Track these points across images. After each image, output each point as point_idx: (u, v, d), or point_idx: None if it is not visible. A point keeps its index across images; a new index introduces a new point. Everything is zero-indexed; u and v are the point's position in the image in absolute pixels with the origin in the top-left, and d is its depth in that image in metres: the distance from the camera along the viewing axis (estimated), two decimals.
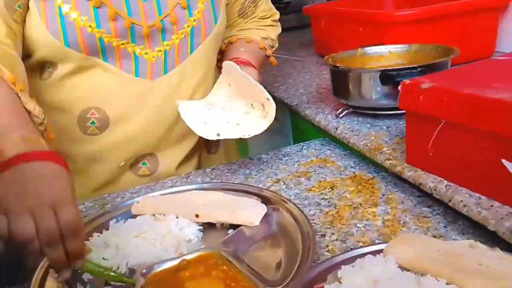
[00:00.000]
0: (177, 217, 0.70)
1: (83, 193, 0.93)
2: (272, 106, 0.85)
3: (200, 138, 1.00)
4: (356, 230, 0.68)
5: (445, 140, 0.65)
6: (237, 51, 1.04)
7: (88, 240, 0.67)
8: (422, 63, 0.89)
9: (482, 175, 0.62)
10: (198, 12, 0.92)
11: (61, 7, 0.81)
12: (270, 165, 0.93)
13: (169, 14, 0.89)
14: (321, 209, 0.75)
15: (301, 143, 1.03)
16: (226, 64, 0.92)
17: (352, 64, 1.05)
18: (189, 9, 0.91)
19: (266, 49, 1.10)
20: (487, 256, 0.52)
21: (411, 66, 0.87)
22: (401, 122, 0.90)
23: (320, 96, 1.18)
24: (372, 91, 0.92)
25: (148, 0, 0.87)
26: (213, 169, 0.96)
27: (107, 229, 0.69)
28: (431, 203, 0.72)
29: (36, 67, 0.89)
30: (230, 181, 0.88)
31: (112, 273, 0.60)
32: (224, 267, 0.59)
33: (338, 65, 0.98)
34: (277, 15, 1.18)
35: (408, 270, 0.51)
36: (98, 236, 0.68)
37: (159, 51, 0.90)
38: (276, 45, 1.17)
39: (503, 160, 0.57)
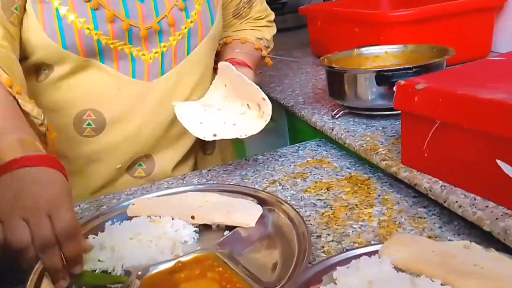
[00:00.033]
0: (172, 219, 0.70)
1: (80, 194, 0.93)
2: (268, 106, 0.85)
3: (196, 139, 1.00)
4: (352, 231, 0.68)
5: (440, 141, 0.65)
6: (233, 52, 1.04)
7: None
8: (418, 63, 0.89)
9: (477, 176, 0.62)
10: (195, 14, 0.92)
11: (59, 9, 0.81)
12: (266, 166, 0.93)
13: (166, 15, 0.89)
14: (317, 210, 0.75)
15: (297, 144, 1.03)
16: (221, 64, 0.92)
17: (348, 64, 1.05)
18: (186, 10, 0.91)
19: (262, 50, 1.10)
20: (482, 256, 0.52)
21: (406, 66, 0.87)
22: (397, 123, 0.90)
23: (316, 97, 1.18)
24: (368, 92, 0.92)
25: (145, 1, 0.87)
26: (209, 170, 0.96)
27: (102, 231, 0.69)
28: (427, 203, 0.72)
29: (32, 69, 0.88)
30: (226, 182, 0.88)
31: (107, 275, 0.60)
32: (220, 269, 0.59)
33: (333, 65, 0.98)
34: (272, 16, 1.18)
35: (403, 271, 0.51)
36: (94, 238, 0.67)
37: (156, 52, 0.90)
38: (272, 45, 1.17)
39: (498, 161, 0.58)
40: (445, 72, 0.82)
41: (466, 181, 0.64)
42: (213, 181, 0.90)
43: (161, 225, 0.68)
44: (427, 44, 1.02)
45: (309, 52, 1.73)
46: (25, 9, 0.83)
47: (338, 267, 0.53)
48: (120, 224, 0.71)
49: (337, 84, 0.98)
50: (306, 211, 0.75)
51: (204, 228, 0.71)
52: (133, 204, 0.75)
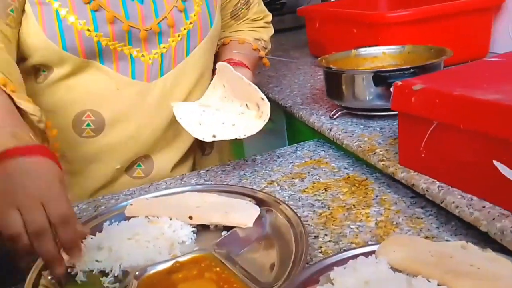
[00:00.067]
0: (170, 219, 0.70)
1: (79, 195, 0.93)
2: (267, 106, 0.86)
3: (195, 140, 1.00)
4: (349, 231, 0.68)
5: (437, 141, 0.65)
6: (231, 53, 1.05)
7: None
8: (415, 64, 0.89)
9: (474, 176, 0.62)
10: (194, 15, 0.93)
11: (59, 11, 0.81)
12: (264, 167, 0.93)
13: (166, 17, 0.89)
14: (314, 211, 0.75)
15: (295, 144, 1.03)
16: (219, 65, 0.93)
17: (345, 65, 1.05)
18: (185, 12, 0.92)
19: (259, 51, 1.10)
20: (479, 257, 0.52)
21: (404, 67, 0.88)
22: (395, 123, 0.90)
23: (314, 97, 1.18)
24: (365, 93, 0.92)
25: (145, 3, 0.87)
26: (207, 170, 0.96)
27: (100, 231, 0.69)
28: (424, 204, 0.72)
29: (31, 70, 0.88)
30: (224, 183, 0.89)
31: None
32: (217, 269, 0.59)
33: (331, 66, 0.98)
34: (270, 17, 1.19)
35: (400, 271, 0.52)
36: (92, 238, 0.67)
37: (156, 53, 0.90)
38: (269, 46, 1.18)
39: (495, 161, 0.58)
40: (442, 72, 0.82)
41: (463, 182, 0.64)
42: (211, 181, 0.91)
43: (159, 226, 0.69)
44: (425, 45, 1.02)
45: (307, 53, 1.73)
46: (23, 11, 0.83)
47: (335, 267, 0.53)
48: (118, 224, 0.71)
49: (335, 84, 0.98)
50: (303, 212, 0.75)
51: (202, 229, 0.71)
52: (131, 204, 0.75)
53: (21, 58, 0.86)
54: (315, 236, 0.68)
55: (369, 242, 0.65)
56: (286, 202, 0.73)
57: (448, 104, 0.61)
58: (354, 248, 0.58)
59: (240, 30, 1.13)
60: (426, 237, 0.64)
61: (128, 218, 0.73)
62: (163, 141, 0.97)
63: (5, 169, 0.58)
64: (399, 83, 0.69)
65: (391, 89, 0.70)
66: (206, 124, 0.89)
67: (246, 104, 0.89)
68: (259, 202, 0.73)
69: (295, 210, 0.69)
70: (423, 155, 0.68)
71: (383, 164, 0.77)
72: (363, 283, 0.49)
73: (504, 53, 0.85)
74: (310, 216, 0.73)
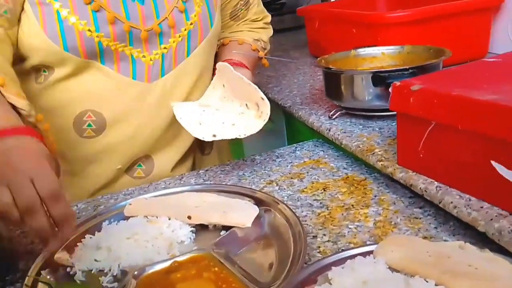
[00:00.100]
0: (169, 219, 0.70)
1: (80, 195, 0.93)
2: (266, 106, 0.86)
3: (195, 140, 1.01)
4: (348, 231, 0.68)
5: (435, 142, 0.66)
6: (230, 53, 1.05)
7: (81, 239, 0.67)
8: (414, 64, 0.89)
9: (472, 177, 0.62)
10: (195, 16, 0.93)
11: (60, 12, 0.81)
12: (263, 166, 0.94)
13: (166, 17, 0.90)
14: (313, 210, 0.75)
15: (294, 144, 1.03)
16: (219, 65, 0.93)
17: (345, 65, 1.05)
18: (186, 12, 0.92)
19: (259, 51, 1.10)
20: (477, 257, 0.52)
21: (403, 67, 0.88)
22: (393, 123, 0.91)
23: (314, 98, 1.18)
24: (364, 93, 0.92)
25: (146, 3, 0.88)
26: (206, 170, 0.96)
27: (99, 231, 0.70)
28: (423, 204, 0.72)
29: (32, 71, 0.89)
30: (223, 183, 0.89)
31: None
32: (216, 269, 0.60)
33: (330, 66, 0.98)
34: (269, 18, 1.19)
35: (397, 271, 0.52)
36: (91, 238, 0.68)
37: (157, 54, 0.90)
38: (268, 47, 1.18)
39: (493, 162, 0.58)
40: (441, 73, 0.82)
41: (461, 182, 0.64)
42: (211, 181, 0.91)
43: (157, 225, 0.69)
44: (424, 45, 1.02)
45: (307, 53, 1.73)
46: (22, 10, 0.83)
47: (333, 267, 0.53)
48: (117, 224, 0.71)
49: (334, 85, 0.98)
50: (302, 211, 0.75)
51: (200, 228, 0.71)
52: (130, 204, 0.76)
53: (21, 58, 0.87)
54: (313, 236, 0.68)
55: (368, 242, 0.65)
56: (285, 202, 0.73)
57: (446, 104, 0.62)
58: (352, 248, 0.58)
59: (240, 31, 1.13)
60: (424, 237, 0.64)
61: (127, 218, 0.73)
62: (164, 141, 0.97)
63: None
64: (398, 83, 0.69)
65: (390, 90, 0.70)
66: (206, 124, 0.89)
67: (246, 104, 0.89)
68: (258, 202, 0.73)
69: (293, 210, 0.69)
70: (421, 156, 0.68)
71: (381, 164, 0.77)
72: (361, 283, 0.50)
73: (503, 54, 0.85)
74: (309, 216, 0.73)
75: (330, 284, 0.51)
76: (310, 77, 1.41)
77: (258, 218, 0.69)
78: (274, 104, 1.17)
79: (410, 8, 1.24)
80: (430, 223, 0.68)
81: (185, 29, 0.92)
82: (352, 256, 0.55)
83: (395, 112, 0.73)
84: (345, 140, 0.89)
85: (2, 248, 0.67)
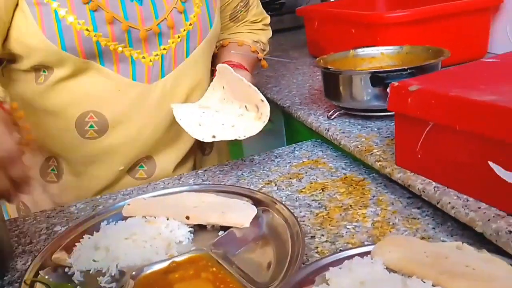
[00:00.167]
0: (167, 219, 0.70)
1: (82, 196, 0.93)
2: (266, 107, 0.86)
3: (196, 140, 1.01)
4: (346, 232, 0.68)
5: (433, 142, 0.66)
6: (229, 54, 1.05)
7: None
8: (413, 64, 0.89)
9: (469, 177, 0.62)
10: (194, 16, 0.93)
11: (58, 11, 0.81)
12: (262, 167, 0.94)
13: (165, 18, 0.90)
14: (311, 211, 0.75)
15: (293, 145, 1.03)
16: (219, 67, 0.93)
17: (343, 65, 1.05)
18: (185, 13, 0.92)
19: (258, 53, 1.10)
20: (474, 258, 0.52)
21: (401, 68, 0.88)
22: (392, 124, 0.91)
23: (313, 98, 1.18)
24: (363, 93, 0.92)
25: (144, 4, 0.88)
26: (205, 170, 0.96)
27: (97, 231, 0.70)
28: (421, 204, 0.72)
29: (31, 71, 0.88)
30: (222, 183, 0.89)
31: None
32: (214, 269, 0.60)
33: (329, 67, 0.98)
34: (268, 20, 1.19)
35: (395, 271, 0.52)
36: (89, 238, 0.68)
37: (156, 55, 0.90)
38: (267, 48, 1.18)
39: (490, 162, 0.58)
40: (439, 73, 0.82)
41: (459, 183, 0.64)
42: (209, 181, 0.91)
43: (156, 226, 0.69)
44: (423, 45, 1.02)
45: (306, 53, 1.73)
46: (15, 10, 0.82)
47: (330, 268, 0.53)
48: (115, 224, 0.71)
49: (332, 85, 0.98)
50: (300, 212, 0.75)
51: (199, 229, 0.71)
52: (129, 204, 0.75)
53: (20, 57, 0.87)
54: (311, 236, 0.68)
55: (365, 243, 0.65)
56: (283, 202, 0.73)
57: (444, 105, 0.62)
58: (350, 249, 0.58)
59: (239, 32, 1.13)
60: (422, 238, 0.64)
61: (125, 218, 0.73)
62: (165, 142, 0.98)
63: None
64: (396, 83, 0.69)
65: (388, 90, 0.70)
66: (206, 125, 0.89)
67: (246, 106, 0.89)
68: (256, 202, 0.73)
69: (292, 210, 0.69)
70: (419, 156, 0.69)
71: (380, 165, 0.77)
72: (358, 283, 0.50)
73: (501, 54, 0.85)
74: (307, 216, 0.73)
75: (328, 284, 0.51)
76: (309, 77, 1.41)
77: (256, 218, 0.69)
78: (273, 104, 1.17)
79: (409, 8, 1.24)
80: (428, 224, 0.68)
81: (184, 30, 0.92)
82: (350, 257, 0.55)
83: (393, 113, 0.73)
84: (344, 140, 0.89)
85: (0, 248, 0.67)
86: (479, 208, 0.60)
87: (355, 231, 0.68)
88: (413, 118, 0.67)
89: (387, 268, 0.52)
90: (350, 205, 0.75)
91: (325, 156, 0.95)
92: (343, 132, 0.92)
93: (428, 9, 1.23)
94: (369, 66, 1.06)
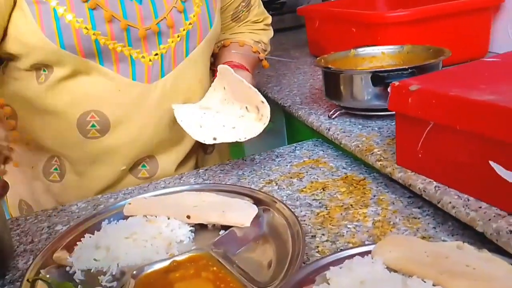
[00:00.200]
0: (168, 218, 0.70)
1: (84, 196, 0.93)
2: (266, 109, 0.86)
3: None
4: (346, 231, 0.68)
5: (434, 142, 0.66)
6: (230, 54, 1.05)
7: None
8: (414, 64, 0.89)
9: (470, 177, 0.62)
10: (194, 16, 0.93)
11: (56, 10, 0.81)
12: (263, 166, 0.94)
13: (165, 17, 0.89)
14: (312, 210, 0.75)
15: (294, 144, 1.03)
16: (220, 67, 0.93)
17: (344, 65, 1.05)
18: (185, 12, 0.92)
19: (259, 53, 1.10)
20: (475, 257, 0.52)
21: (402, 67, 0.88)
22: (393, 123, 0.91)
23: (313, 97, 1.18)
24: (364, 92, 0.92)
25: (144, 3, 0.87)
26: (206, 170, 0.96)
27: (99, 230, 0.70)
28: (421, 204, 0.72)
29: (32, 70, 0.89)
30: (223, 182, 0.89)
31: None
32: (214, 268, 0.60)
33: (329, 66, 0.98)
34: (269, 19, 1.19)
35: (395, 271, 0.52)
36: (90, 237, 0.68)
37: (156, 54, 0.90)
38: (269, 48, 1.18)
39: (491, 162, 0.58)
40: (440, 73, 0.82)
41: (459, 182, 0.64)
42: (210, 180, 0.91)
43: (156, 225, 0.69)
44: (424, 45, 1.02)
45: (307, 52, 1.73)
46: (13, 9, 0.83)
47: (331, 267, 0.53)
48: (116, 223, 0.71)
49: (333, 84, 0.98)
50: (301, 211, 0.75)
51: (200, 228, 0.71)
52: (130, 203, 0.76)
53: (19, 57, 0.87)
54: (312, 236, 0.68)
55: (366, 242, 0.65)
56: (284, 202, 0.73)
57: (444, 104, 0.62)
58: (351, 248, 0.58)
59: (240, 33, 1.13)
60: (423, 237, 0.64)
61: (126, 217, 0.73)
62: (167, 142, 0.98)
63: None
64: (396, 83, 0.69)
65: (388, 90, 0.70)
66: (207, 127, 0.89)
67: (246, 107, 0.89)
68: (257, 202, 0.73)
69: (292, 210, 0.69)
70: (420, 156, 0.69)
71: (380, 164, 0.77)
72: (358, 283, 0.50)
73: (502, 53, 0.85)
74: (308, 216, 0.73)
75: (328, 284, 0.51)
76: (310, 76, 1.41)
77: (257, 217, 0.69)
78: (274, 104, 1.18)
79: (410, 7, 1.24)
80: (428, 223, 0.68)
81: (184, 29, 0.92)
82: (350, 256, 0.55)
83: (394, 112, 0.73)
84: (345, 140, 0.89)
85: (1, 247, 0.67)
86: (480, 207, 0.60)
87: (356, 231, 0.68)
88: (414, 117, 0.67)
89: (387, 268, 0.52)
90: (351, 205, 0.75)
91: (326, 156, 0.95)
92: (344, 132, 0.92)
93: (429, 9, 1.23)
94: (370, 65, 1.06)
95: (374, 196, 0.77)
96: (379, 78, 0.88)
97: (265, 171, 0.91)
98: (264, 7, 1.21)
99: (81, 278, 0.62)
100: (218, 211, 0.70)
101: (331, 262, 0.55)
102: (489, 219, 0.58)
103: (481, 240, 0.60)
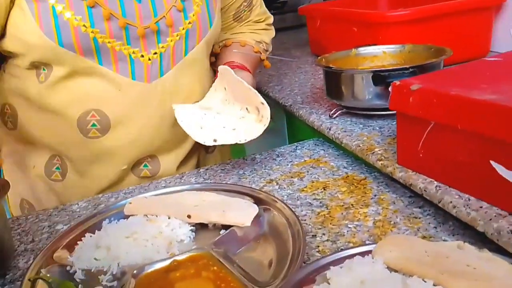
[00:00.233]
0: (169, 218, 0.70)
1: (86, 196, 0.93)
2: (267, 110, 0.86)
3: None
4: (347, 231, 0.68)
5: (434, 141, 0.66)
6: (232, 54, 1.05)
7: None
8: (415, 63, 0.89)
9: (471, 176, 0.62)
10: (193, 15, 0.93)
11: (55, 7, 0.81)
12: (263, 165, 0.94)
13: (164, 16, 0.89)
14: (312, 210, 0.75)
15: (295, 143, 1.03)
16: (221, 68, 0.93)
17: (345, 64, 1.05)
18: (184, 11, 0.92)
19: (261, 53, 1.10)
20: (475, 257, 0.52)
21: (403, 67, 0.88)
22: (394, 123, 0.90)
23: (315, 96, 1.18)
24: (365, 92, 0.92)
25: (143, 2, 0.87)
26: (206, 169, 0.96)
27: (99, 229, 0.70)
28: (422, 203, 0.72)
29: (32, 68, 0.89)
30: (224, 181, 0.89)
31: None
32: (215, 268, 0.60)
33: (330, 65, 0.98)
34: (271, 19, 1.19)
35: (395, 271, 0.52)
36: (91, 236, 0.68)
37: (155, 53, 0.90)
38: (270, 49, 1.18)
39: (492, 162, 0.58)
40: (441, 72, 0.82)
41: (460, 182, 0.64)
42: (211, 180, 0.91)
43: (157, 224, 0.69)
44: (425, 44, 1.02)
45: (308, 51, 1.73)
46: (11, 8, 0.83)
47: (331, 267, 0.53)
48: (117, 223, 0.71)
49: (334, 84, 0.98)
50: (302, 211, 0.75)
51: (200, 227, 0.71)
52: (130, 203, 0.76)
53: (18, 55, 0.87)
54: (312, 235, 0.68)
55: (367, 242, 0.65)
56: (285, 201, 0.73)
57: (445, 104, 0.61)
58: (351, 248, 0.58)
59: (242, 33, 1.13)
60: (424, 237, 0.64)
61: (127, 217, 0.73)
62: (168, 142, 0.97)
63: None
64: (397, 82, 0.69)
65: (389, 89, 0.70)
66: (207, 128, 0.89)
67: (247, 108, 0.89)
68: (258, 201, 0.73)
69: (293, 209, 0.69)
70: (421, 155, 0.68)
71: (381, 164, 0.77)
72: (359, 282, 0.50)
73: (504, 53, 0.85)
74: (308, 215, 0.73)
75: (329, 283, 0.51)
76: (311, 76, 1.41)
77: (257, 217, 0.69)
78: (275, 103, 1.18)
79: (411, 7, 1.24)
80: (429, 223, 0.68)
81: (183, 28, 0.92)
82: (351, 256, 0.55)
83: (395, 112, 0.73)
84: (345, 139, 0.89)
85: (1, 247, 0.67)
86: (481, 207, 0.60)
87: (356, 230, 0.68)
88: (415, 117, 0.67)
89: (387, 268, 0.52)
90: (352, 204, 0.75)
91: (326, 155, 0.95)
92: (345, 131, 0.92)
93: (430, 8, 1.23)
94: (371, 65, 1.06)
95: (375, 195, 0.77)
96: (380, 78, 0.88)
97: (266, 170, 0.91)
98: (266, 6, 1.20)
99: (81, 278, 0.62)
100: (218, 211, 0.70)
101: (331, 261, 0.55)
102: (490, 219, 0.58)
103: (481, 240, 0.60)
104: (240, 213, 0.69)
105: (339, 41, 1.35)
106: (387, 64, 1.04)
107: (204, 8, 0.94)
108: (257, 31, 1.15)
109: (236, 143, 0.87)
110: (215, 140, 0.86)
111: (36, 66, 0.88)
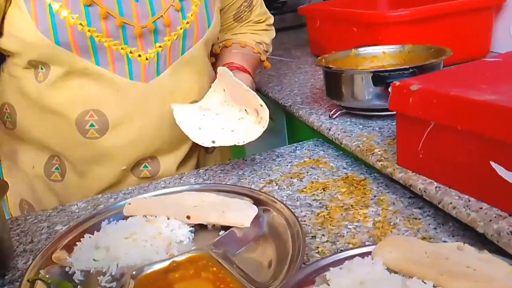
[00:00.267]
0: (168, 219, 0.70)
1: (86, 196, 0.93)
2: (266, 112, 0.86)
3: None
4: (347, 232, 0.68)
5: (434, 142, 0.65)
6: (232, 55, 1.05)
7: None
8: (415, 63, 0.89)
9: (471, 177, 0.62)
10: (192, 15, 0.92)
11: (52, 5, 0.81)
12: (263, 166, 0.93)
13: (162, 16, 0.89)
14: (312, 210, 0.75)
15: (294, 144, 1.03)
16: (220, 69, 0.92)
17: (345, 65, 1.05)
18: (182, 11, 0.91)
19: (261, 54, 1.10)
20: (475, 258, 0.52)
21: (403, 67, 0.87)
22: (393, 123, 0.90)
23: (314, 97, 1.18)
24: (365, 92, 0.92)
25: (140, 1, 0.87)
26: (206, 169, 0.96)
27: (98, 230, 0.70)
28: (422, 204, 0.72)
29: (30, 68, 0.89)
30: (223, 182, 0.89)
31: None
32: (214, 269, 0.60)
33: (330, 66, 0.98)
34: (271, 20, 1.19)
35: (395, 272, 0.52)
36: (90, 237, 0.68)
37: (152, 53, 0.90)
38: (270, 49, 1.18)
39: (492, 163, 0.58)
40: (441, 73, 0.82)
41: (460, 183, 0.64)
42: (210, 180, 0.91)
43: (156, 225, 0.69)
44: (425, 44, 1.02)
45: (308, 52, 1.73)
46: (9, 6, 0.83)
47: (331, 268, 0.53)
48: (116, 223, 0.71)
49: (334, 84, 0.98)
50: (301, 212, 0.75)
51: (200, 228, 0.71)
52: (129, 203, 0.75)
53: (16, 53, 0.87)
54: (312, 236, 0.68)
55: (366, 243, 0.65)
56: (284, 202, 0.72)
57: (445, 104, 0.61)
58: (351, 249, 0.58)
59: (242, 33, 1.13)
60: (423, 238, 0.64)
61: (126, 217, 0.73)
62: (168, 141, 0.97)
63: None
64: (397, 83, 0.69)
65: (389, 89, 0.70)
66: (206, 129, 0.88)
67: (246, 109, 0.89)
68: (257, 202, 0.73)
69: (292, 210, 0.69)
70: (421, 156, 0.68)
71: (381, 164, 0.77)
72: (358, 284, 0.49)
73: (503, 53, 0.84)
74: (308, 216, 0.73)
75: (328, 285, 0.51)
76: (311, 76, 1.41)
77: (257, 218, 0.69)
78: (274, 103, 1.18)
79: (411, 7, 1.24)
80: (429, 224, 0.68)
81: (181, 28, 0.92)
82: (351, 257, 0.55)
83: (395, 112, 0.73)
84: (345, 140, 0.88)
85: (0, 247, 0.67)
86: (481, 208, 0.60)
87: (356, 231, 0.68)
88: (415, 117, 0.67)
89: (387, 269, 0.52)
90: (351, 205, 0.75)
91: (326, 156, 0.95)
92: (345, 132, 0.91)
93: (430, 8, 1.23)
94: (371, 65, 1.06)
95: (375, 196, 0.77)
96: (380, 78, 0.88)
97: (266, 171, 0.91)
98: (266, 6, 1.20)
99: (80, 279, 0.62)
100: (218, 211, 0.70)
101: (331, 262, 0.55)
102: (490, 220, 0.58)
103: (481, 241, 0.60)
104: (240, 213, 0.69)
105: (339, 41, 1.35)
106: (387, 65, 1.04)
107: (203, 8, 0.94)
108: (258, 32, 1.15)
109: (235, 145, 0.87)
110: (213, 142, 0.86)
111: (34, 65, 0.88)
